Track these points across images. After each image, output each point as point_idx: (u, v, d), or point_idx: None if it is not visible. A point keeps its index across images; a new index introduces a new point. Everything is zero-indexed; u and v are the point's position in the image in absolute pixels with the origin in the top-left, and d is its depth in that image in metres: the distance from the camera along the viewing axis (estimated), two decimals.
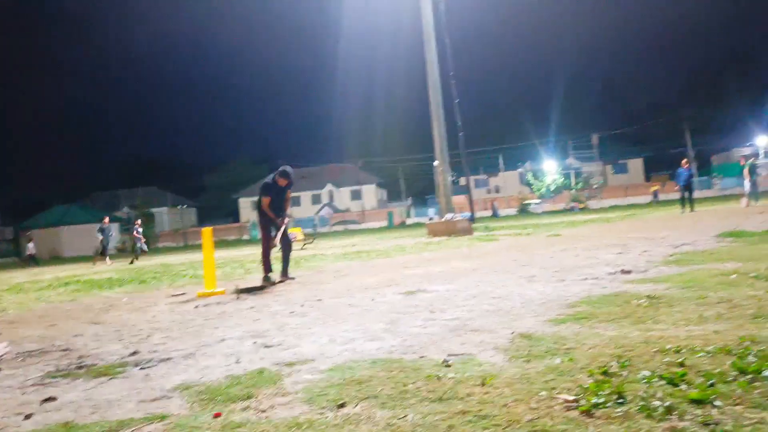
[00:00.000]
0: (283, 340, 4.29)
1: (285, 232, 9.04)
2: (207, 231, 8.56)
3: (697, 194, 48.18)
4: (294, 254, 17.05)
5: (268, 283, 8.49)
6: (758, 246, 7.40)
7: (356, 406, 2.53)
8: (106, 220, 25.13)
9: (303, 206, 75.80)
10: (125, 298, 8.57)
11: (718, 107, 66.59)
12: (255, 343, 4.27)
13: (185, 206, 76.50)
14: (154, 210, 70.90)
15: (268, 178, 8.85)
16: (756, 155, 19.31)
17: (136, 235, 23.08)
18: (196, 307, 6.77)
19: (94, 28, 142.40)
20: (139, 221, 24.86)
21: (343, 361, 3.41)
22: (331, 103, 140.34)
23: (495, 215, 48.57)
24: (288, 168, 8.83)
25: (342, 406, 2.54)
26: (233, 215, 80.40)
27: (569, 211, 46.65)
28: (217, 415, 2.56)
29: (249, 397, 2.82)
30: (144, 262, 21.44)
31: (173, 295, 8.22)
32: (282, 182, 8.77)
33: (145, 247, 23.34)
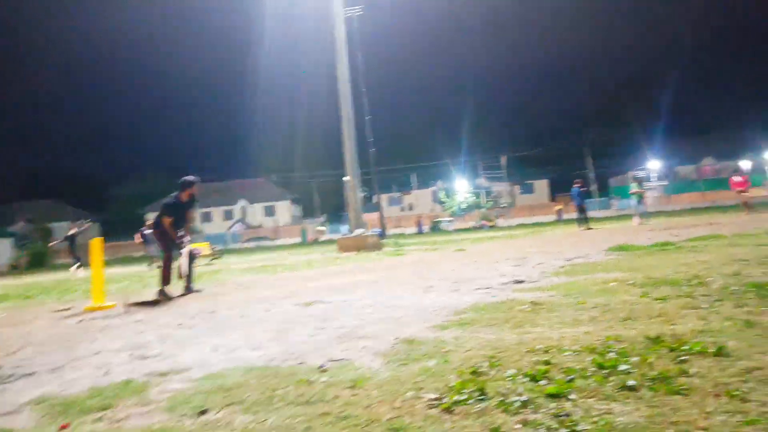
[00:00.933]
0: (162, 351, 4.09)
1: (186, 245, 8.73)
2: (95, 242, 8.10)
3: (597, 213, 50.88)
4: (200, 269, 16.57)
5: (163, 296, 8.13)
6: (641, 258, 7.82)
7: (218, 412, 2.42)
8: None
9: (214, 222, 73.92)
10: (3, 314, 7.95)
11: (616, 133, 70.92)
12: (131, 354, 4.04)
13: (87, 220, 72.63)
14: (53, 224, 66.90)
15: (170, 197, 8.51)
16: (645, 178, 20.67)
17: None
18: (80, 321, 6.37)
19: None
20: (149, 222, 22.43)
21: (218, 369, 3.27)
22: (246, 117, 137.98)
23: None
24: (190, 177, 8.52)
25: (203, 413, 2.42)
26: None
27: (479, 228, 47.95)
28: (63, 427, 2.38)
29: (106, 408, 2.64)
30: (36, 278, 20.09)
31: (58, 310, 7.70)
32: (184, 196, 8.46)
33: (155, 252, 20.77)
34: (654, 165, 60.06)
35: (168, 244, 8.53)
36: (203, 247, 24.08)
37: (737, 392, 2.12)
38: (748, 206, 21.02)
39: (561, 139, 70.17)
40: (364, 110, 32.40)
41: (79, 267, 20.46)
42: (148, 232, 20.60)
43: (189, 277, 8.67)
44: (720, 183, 60.53)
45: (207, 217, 73.85)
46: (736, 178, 21.59)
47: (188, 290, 8.52)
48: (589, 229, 20.76)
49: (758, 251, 7.05)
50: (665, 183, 60.56)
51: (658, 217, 26.95)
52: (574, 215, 23.81)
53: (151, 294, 8.71)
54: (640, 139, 65.88)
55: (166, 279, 8.35)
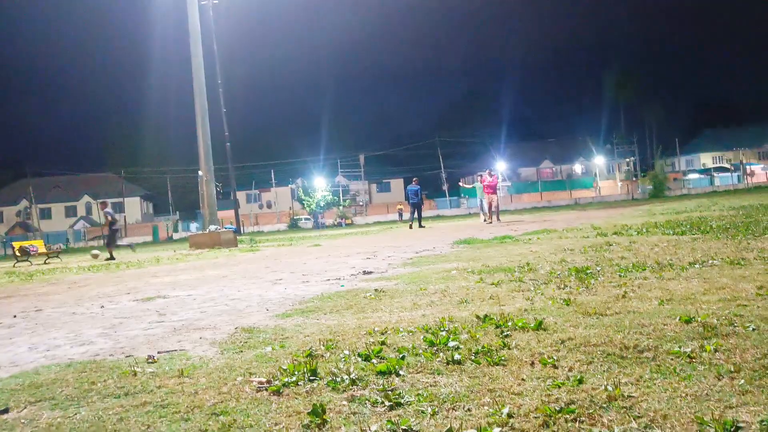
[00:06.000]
0: None
1: None
2: None
3: (449, 212, 53.25)
4: (34, 268, 15.12)
5: None
6: (482, 250, 8.28)
7: (22, 410, 2.18)
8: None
9: (55, 219, 67.86)
10: None
11: (466, 136, 74.80)
12: None
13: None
14: None
15: None
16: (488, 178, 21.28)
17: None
18: None
19: None
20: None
21: (32, 368, 2.97)
22: (92, 106, 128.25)
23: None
24: None
25: (4, 411, 2.17)
26: None
27: (337, 226, 48.31)
28: None
29: None
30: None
31: None
32: None
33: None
34: (500, 166, 64.04)
35: None
36: (38, 245, 22.05)
37: (550, 360, 2.28)
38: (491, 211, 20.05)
39: (416, 140, 72.64)
40: (221, 103, 31.34)
41: None
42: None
43: None
44: (556, 185, 66.02)
45: (46, 214, 67.66)
46: (488, 178, 20.17)
47: None
48: (422, 227, 20.84)
49: (582, 242, 7.73)
50: (509, 184, 64.79)
51: (502, 215, 28.77)
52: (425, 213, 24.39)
53: None
54: (488, 143, 70.18)
55: None
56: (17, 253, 19.79)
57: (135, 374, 2.57)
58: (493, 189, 19.91)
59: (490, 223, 19.22)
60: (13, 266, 17.40)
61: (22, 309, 5.86)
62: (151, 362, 2.82)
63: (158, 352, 3.04)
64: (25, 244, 20.70)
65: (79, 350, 3.39)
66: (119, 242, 17.99)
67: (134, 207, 70.88)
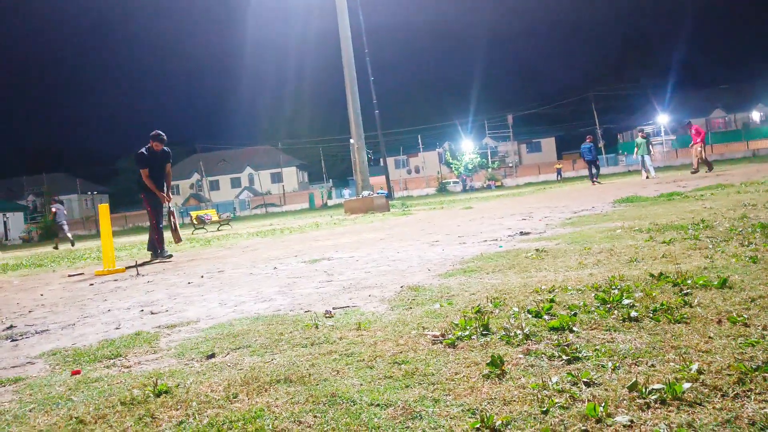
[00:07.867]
0: (171, 307, 4.14)
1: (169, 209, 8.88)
2: (103, 208, 8.14)
3: (606, 170, 50.47)
4: (208, 235, 16.70)
5: (161, 258, 8.49)
6: (648, 208, 7.80)
7: (226, 355, 2.46)
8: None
9: (222, 190, 74.12)
10: (16, 280, 8.07)
11: (623, 88, 69.98)
12: (142, 311, 4.09)
13: (96, 193, 73.06)
14: (62, 197, 67.25)
15: (141, 149, 8.63)
16: (648, 133, 20.14)
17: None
18: (91, 284, 6.45)
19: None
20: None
21: (226, 320, 3.31)
22: (249, 85, 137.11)
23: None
24: (158, 132, 8.62)
25: (211, 356, 2.46)
26: None
27: (486, 188, 47.80)
28: (75, 373, 2.42)
29: (117, 356, 2.69)
30: (48, 250, 20.29)
31: (69, 276, 7.80)
32: (156, 146, 8.56)
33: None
34: (662, 119, 59.31)
35: (153, 203, 8.65)
36: (211, 214, 24.22)
37: (740, 318, 2.13)
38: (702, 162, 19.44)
39: (567, 96, 69.30)
40: (368, 72, 32.01)
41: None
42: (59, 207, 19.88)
43: (162, 241, 8.78)
44: (729, 135, 59.81)
45: (215, 186, 74.11)
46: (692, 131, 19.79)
47: (158, 256, 8.64)
48: (599, 183, 20.70)
49: (766, 196, 6.99)
50: (673, 138, 59.85)
51: (667, 171, 26.76)
52: (577, 173, 23.70)
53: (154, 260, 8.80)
54: (648, 94, 65.07)
55: (159, 242, 8.67)
56: (194, 222, 21.99)
57: (317, 327, 2.77)
58: (701, 138, 19.46)
59: (696, 172, 19.18)
60: (192, 233, 19.28)
61: (207, 270, 6.51)
62: (329, 317, 3.02)
63: (333, 308, 3.25)
64: (201, 213, 22.91)
65: (263, 306, 3.72)
66: (61, 234, 19.91)
67: (291, 176, 75.19)
